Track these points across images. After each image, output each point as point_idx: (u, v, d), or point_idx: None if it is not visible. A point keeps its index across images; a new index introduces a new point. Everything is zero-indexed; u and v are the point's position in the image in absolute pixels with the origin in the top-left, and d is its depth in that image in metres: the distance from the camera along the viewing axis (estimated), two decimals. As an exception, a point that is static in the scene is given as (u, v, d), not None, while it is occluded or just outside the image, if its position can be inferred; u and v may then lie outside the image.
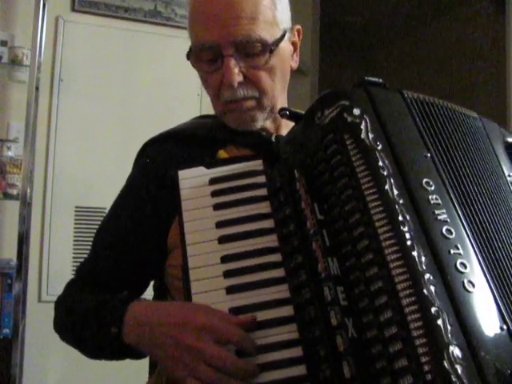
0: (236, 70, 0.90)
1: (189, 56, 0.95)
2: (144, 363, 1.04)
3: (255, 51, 0.91)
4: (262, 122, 0.97)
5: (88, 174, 2.54)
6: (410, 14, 3.81)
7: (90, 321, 0.85)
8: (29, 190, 2.33)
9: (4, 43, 2.37)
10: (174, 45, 2.62)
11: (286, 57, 0.98)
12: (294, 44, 1.01)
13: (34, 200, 2.41)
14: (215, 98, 0.96)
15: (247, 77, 0.92)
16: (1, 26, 2.46)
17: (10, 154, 2.33)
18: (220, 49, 0.90)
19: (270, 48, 0.91)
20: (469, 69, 3.51)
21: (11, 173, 2.29)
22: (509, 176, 0.82)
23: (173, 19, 2.74)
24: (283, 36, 0.94)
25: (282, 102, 1.00)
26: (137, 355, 0.84)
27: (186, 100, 2.65)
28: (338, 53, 4.17)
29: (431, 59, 3.85)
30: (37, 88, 2.36)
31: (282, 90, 0.99)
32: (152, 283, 1.03)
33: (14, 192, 2.30)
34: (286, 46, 0.97)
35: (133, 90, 2.64)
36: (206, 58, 0.93)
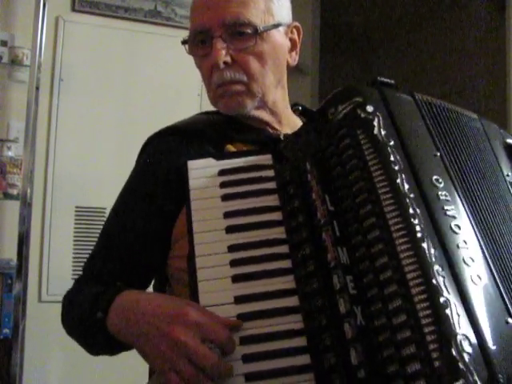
0: (223, 51, 0.92)
1: (185, 44, 0.97)
2: (144, 364, 1.04)
3: (243, 34, 0.93)
4: (253, 109, 0.97)
5: (88, 174, 2.54)
6: (409, 14, 3.81)
7: (83, 307, 0.86)
8: (29, 190, 2.32)
9: (4, 43, 2.37)
10: (173, 45, 2.60)
11: (280, 48, 0.98)
12: (292, 41, 1.02)
13: (34, 200, 2.41)
14: (208, 84, 0.97)
15: (235, 60, 0.93)
16: (1, 26, 2.46)
17: (10, 153, 2.33)
18: (211, 32, 0.93)
19: (259, 31, 0.93)
20: (469, 69, 3.51)
21: (11, 173, 2.29)
22: (507, 175, 0.85)
23: (173, 19, 2.74)
24: (276, 26, 0.96)
25: (280, 97, 1.01)
26: (124, 346, 0.84)
27: (185, 100, 2.65)
28: (338, 53, 4.17)
29: (431, 59, 3.85)
30: (37, 88, 2.36)
31: (276, 82, 0.99)
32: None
33: (14, 192, 2.30)
34: (280, 38, 0.98)
35: (133, 89, 2.64)
36: (199, 42, 0.95)
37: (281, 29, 0.98)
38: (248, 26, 0.92)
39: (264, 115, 0.99)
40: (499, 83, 2.93)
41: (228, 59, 0.93)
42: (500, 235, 0.74)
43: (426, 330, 0.59)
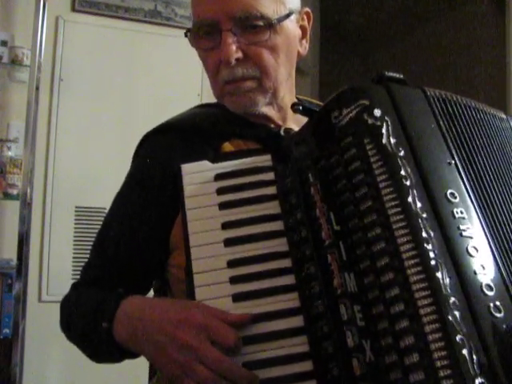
0: (234, 46, 0.85)
1: (187, 35, 0.91)
2: (145, 366, 1.04)
3: (256, 27, 0.86)
4: (264, 106, 0.91)
5: (88, 174, 2.54)
6: (409, 13, 3.81)
7: (86, 316, 0.84)
8: (29, 190, 2.32)
9: (4, 43, 2.36)
10: (174, 45, 2.62)
11: (292, 39, 0.92)
12: (302, 28, 0.96)
13: (34, 200, 2.41)
14: (214, 79, 0.91)
15: (247, 54, 0.87)
16: (1, 26, 2.46)
17: (10, 153, 2.33)
18: (219, 24, 0.86)
19: (272, 24, 0.86)
20: (469, 69, 3.51)
21: (11, 173, 2.29)
22: None
23: (173, 19, 2.73)
24: (288, 15, 0.89)
25: (288, 90, 0.96)
26: (131, 354, 0.82)
27: (186, 100, 2.62)
28: (338, 53, 4.17)
29: (431, 59, 3.85)
30: (37, 88, 2.35)
31: (287, 75, 0.94)
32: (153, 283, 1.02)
33: (14, 192, 2.30)
34: (292, 27, 0.92)
35: (133, 89, 2.64)
36: (205, 34, 0.89)
37: (292, 17, 0.91)
38: (260, 19, 0.85)
39: (271, 111, 0.93)
40: (499, 83, 2.92)
41: (240, 55, 0.86)
42: None
43: (442, 373, 0.55)
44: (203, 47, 0.90)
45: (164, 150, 0.92)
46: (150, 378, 1.02)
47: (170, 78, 2.66)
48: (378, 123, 0.69)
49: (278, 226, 0.75)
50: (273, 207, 0.76)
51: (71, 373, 2.46)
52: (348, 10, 3.88)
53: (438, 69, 3.82)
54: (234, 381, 0.66)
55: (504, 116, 0.82)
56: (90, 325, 0.82)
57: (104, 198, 2.49)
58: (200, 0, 0.89)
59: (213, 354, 0.66)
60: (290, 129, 0.87)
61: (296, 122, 0.93)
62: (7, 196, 2.30)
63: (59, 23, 2.55)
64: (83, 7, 2.59)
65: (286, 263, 0.72)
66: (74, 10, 2.58)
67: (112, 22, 2.64)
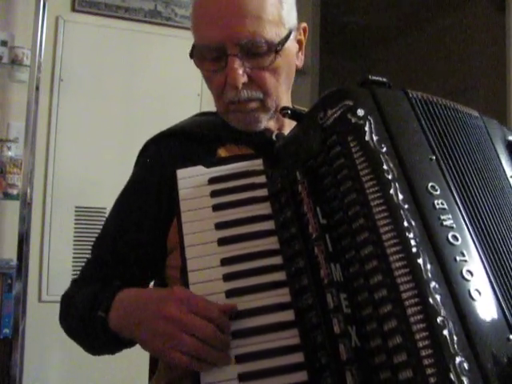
0: (240, 71, 0.88)
1: (192, 55, 0.93)
2: (144, 366, 1.04)
3: (260, 52, 0.89)
4: (266, 122, 0.95)
5: (88, 174, 2.54)
6: (410, 13, 3.81)
7: (83, 307, 0.87)
8: (29, 190, 2.32)
9: (4, 43, 2.36)
10: (174, 45, 2.62)
11: (292, 56, 0.96)
12: (299, 42, 0.99)
13: (34, 200, 2.41)
14: (218, 97, 0.95)
15: (252, 78, 0.91)
16: (1, 26, 2.46)
17: (10, 153, 2.33)
18: (224, 48, 0.88)
19: (276, 48, 0.90)
20: (469, 69, 3.51)
21: (11, 173, 2.29)
22: (511, 177, 0.81)
23: (173, 19, 2.74)
24: (289, 35, 0.92)
25: (286, 101, 0.99)
26: (126, 344, 0.85)
27: (186, 100, 2.65)
28: (338, 53, 4.17)
29: (431, 59, 3.85)
30: (37, 88, 2.35)
31: (287, 89, 0.98)
32: (152, 284, 1.03)
33: (14, 192, 2.30)
34: (291, 45, 0.95)
35: (133, 89, 2.64)
36: (210, 56, 0.91)
37: (292, 36, 0.94)
38: (265, 44, 0.89)
39: (270, 123, 0.97)
40: (499, 83, 2.92)
41: (245, 79, 0.89)
42: (503, 242, 0.71)
43: (423, 353, 0.57)
44: (208, 69, 0.93)
45: (164, 156, 0.96)
46: (150, 378, 1.03)
47: (170, 78, 2.66)
48: (361, 122, 0.72)
49: (269, 225, 0.78)
50: (264, 208, 0.80)
51: (71, 373, 2.46)
52: (348, 9, 3.88)
53: (438, 69, 3.82)
54: (217, 347, 0.69)
55: (477, 114, 0.85)
56: (87, 315, 0.85)
57: (104, 199, 2.51)
58: (206, 25, 0.90)
59: (196, 322, 0.69)
60: (282, 133, 0.90)
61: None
62: (7, 196, 2.30)
63: (59, 23, 2.55)
64: (83, 7, 2.59)
65: (277, 260, 0.75)
66: (73, 10, 2.58)
67: (112, 21, 2.65)
